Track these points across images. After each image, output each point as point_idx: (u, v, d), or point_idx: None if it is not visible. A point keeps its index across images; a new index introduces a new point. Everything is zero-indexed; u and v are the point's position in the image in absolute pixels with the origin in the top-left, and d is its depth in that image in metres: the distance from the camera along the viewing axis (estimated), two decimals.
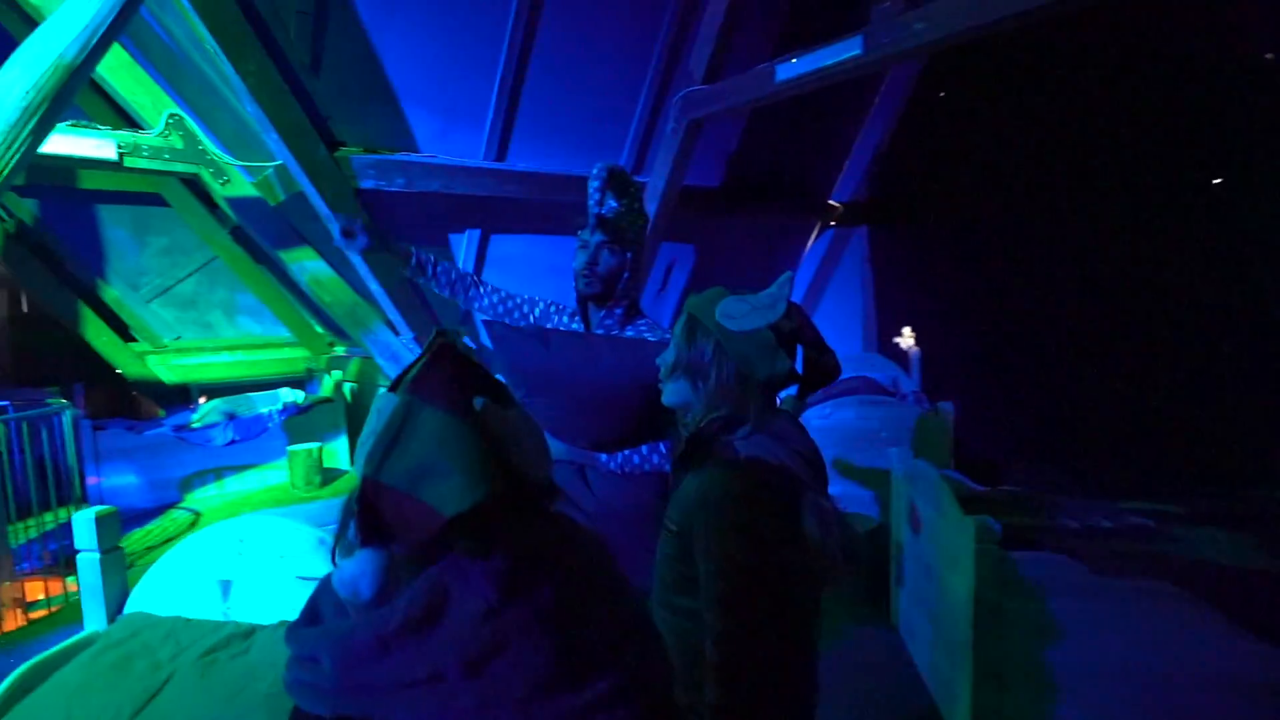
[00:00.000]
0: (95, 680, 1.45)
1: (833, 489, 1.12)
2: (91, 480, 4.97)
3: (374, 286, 4.36)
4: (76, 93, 3.17)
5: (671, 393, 1.10)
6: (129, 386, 6.33)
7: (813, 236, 7.12)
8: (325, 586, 0.66)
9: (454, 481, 0.55)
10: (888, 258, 7.03)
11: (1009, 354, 6.99)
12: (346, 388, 6.25)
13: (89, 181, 5.10)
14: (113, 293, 5.82)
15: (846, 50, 3.83)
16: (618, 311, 1.71)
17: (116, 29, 2.98)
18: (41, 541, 3.85)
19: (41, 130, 3.08)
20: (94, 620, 1.70)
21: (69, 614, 3.41)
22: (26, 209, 5.14)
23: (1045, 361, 6.96)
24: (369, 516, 0.58)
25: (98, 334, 5.72)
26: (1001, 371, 6.93)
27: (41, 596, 3.60)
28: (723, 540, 0.92)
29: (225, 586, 1.70)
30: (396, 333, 4.88)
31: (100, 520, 1.68)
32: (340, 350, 6.63)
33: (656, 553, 1.04)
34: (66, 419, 3.66)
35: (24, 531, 3.67)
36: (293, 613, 1.89)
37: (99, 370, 6.20)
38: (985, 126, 5.81)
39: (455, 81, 4.09)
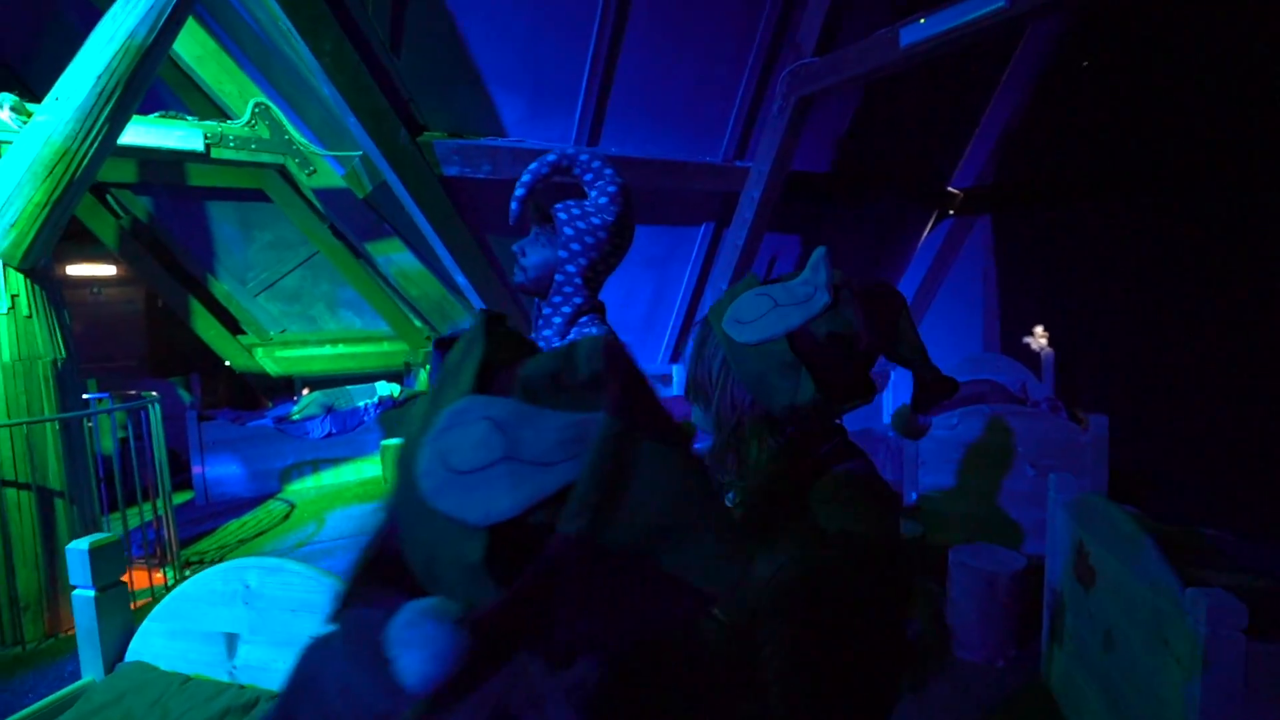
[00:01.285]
0: None
1: (972, 510, 0.65)
2: (196, 470, 5.12)
3: (460, 280, 4.19)
4: (152, 76, 3.13)
5: (696, 417, 0.85)
6: (244, 377, 6.57)
7: (929, 226, 6.40)
8: (337, 649, 0.45)
9: (709, 546, 0.38)
10: (1016, 248, 6.19)
11: (1161, 359, 5.97)
12: None
13: (197, 178, 5.25)
14: (222, 287, 6.03)
15: (988, 3, 3.23)
16: (555, 320, 1.44)
17: (184, 8, 2.87)
18: (142, 530, 3.91)
19: (118, 115, 3.05)
20: (90, 667, 1.47)
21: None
22: (141, 206, 5.38)
23: (1206, 370, 5.89)
24: (543, 591, 0.36)
25: (208, 327, 5.94)
26: (1151, 380, 5.93)
27: (140, 587, 3.63)
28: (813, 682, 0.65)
29: (231, 641, 1.45)
30: None
31: (95, 552, 1.44)
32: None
33: None
34: (155, 411, 3.68)
35: (122, 521, 3.72)
36: None
37: (220, 361, 6.47)
38: (1137, 99, 4.90)
39: (544, 60, 3.82)
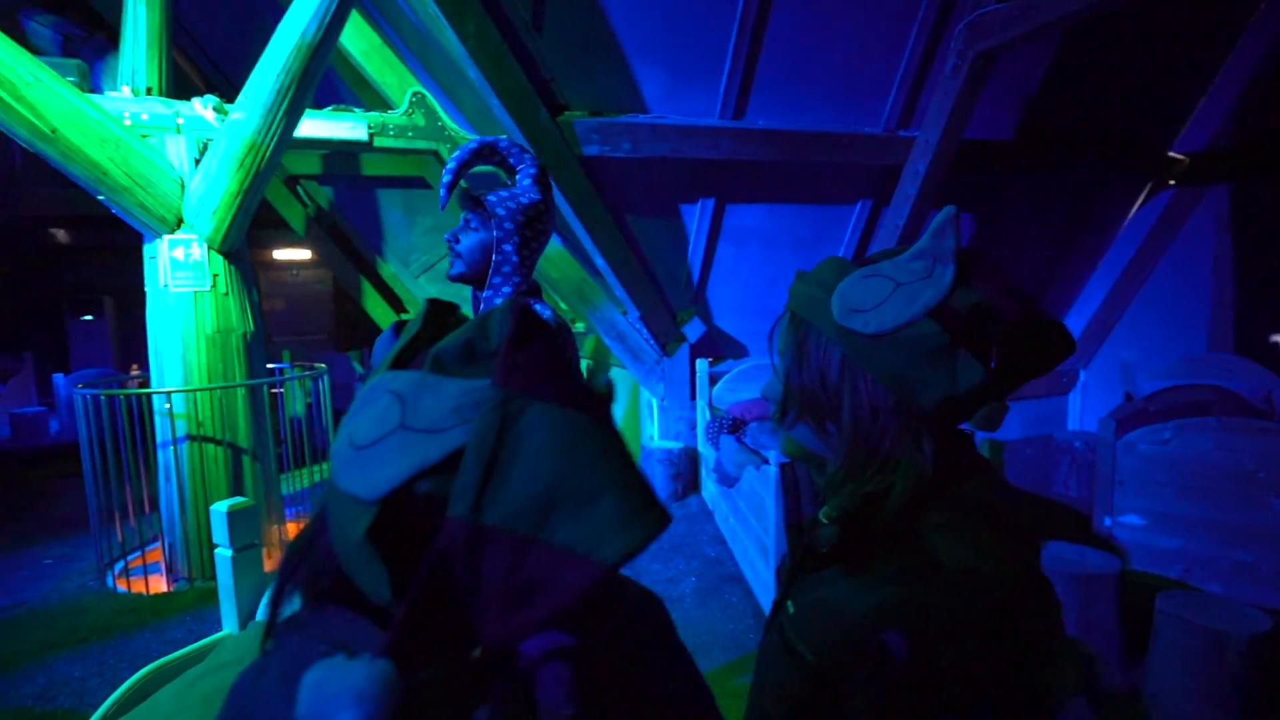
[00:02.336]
0: (182, 715, 1.26)
1: (1188, 547, 0.40)
2: None
3: (600, 262, 4.14)
4: (321, 70, 3.33)
5: (786, 442, 0.72)
6: None
7: (1140, 199, 5.38)
8: (271, 687, 0.39)
9: (606, 509, 0.34)
10: (1261, 226, 5.01)
11: None
12: (583, 364, 6.29)
13: (369, 168, 5.70)
14: (389, 268, 6.55)
15: None
16: (496, 302, 1.36)
17: (346, 5, 3.00)
18: (312, 489, 4.32)
19: (294, 110, 3.29)
20: (229, 620, 1.56)
21: None
22: (324, 195, 5.95)
23: None
24: (441, 588, 0.33)
25: (375, 305, 6.49)
26: None
27: None
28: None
29: None
30: (624, 311, 4.68)
31: (233, 516, 1.49)
32: (579, 327, 6.73)
33: (760, 674, 0.69)
34: (324, 382, 4.02)
35: (295, 480, 4.13)
36: None
37: None
38: None
39: (688, 31, 3.61)
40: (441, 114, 4.05)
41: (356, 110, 3.92)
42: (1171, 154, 5.19)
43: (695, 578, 3.38)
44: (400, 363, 0.41)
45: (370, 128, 3.95)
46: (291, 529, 4.03)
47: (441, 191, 1.43)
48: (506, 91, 3.25)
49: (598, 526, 0.33)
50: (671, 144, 3.80)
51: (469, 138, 4.13)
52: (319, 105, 3.85)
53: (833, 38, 3.82)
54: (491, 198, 1.40)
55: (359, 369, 7.31)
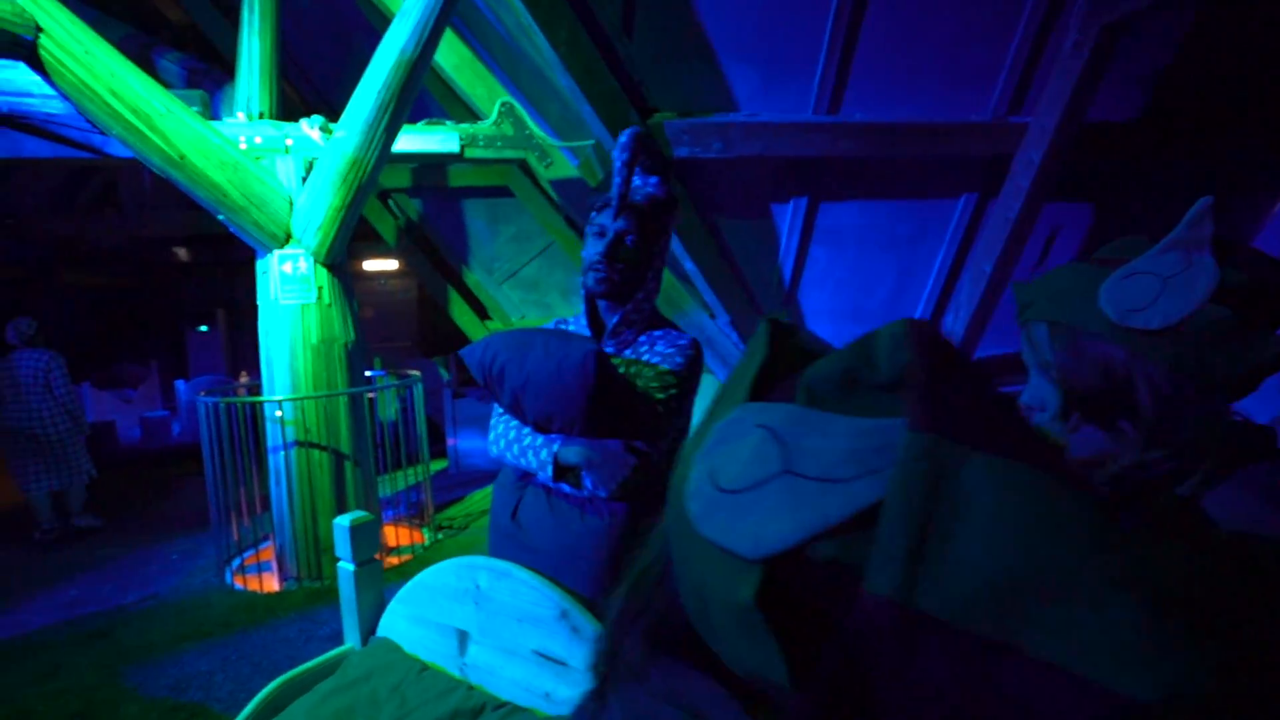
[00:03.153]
0: None
1: None
2: (450, 442, 5.76)
3: (688, 266, 4.06)
4: (418, 86, 3.40)
5: (1070, 443, 0.71)
6: None
7: None
8: None
9: (1123, 616, 0.23)
10: None
11: None
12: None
13: (456, 179, 5.85)
14: (474, 277, 6.70)
15: None
16: (633, 318, 1.38)
17: (443, 19, 3.05)
18: (406, 493, 4.45)
19: (393, 126, 3.38)
20: (350, 635, 1.57)
21: (416, 567, 3.82)
22: (413, 207, 6.16)
23: None
24: (857, 684, 0.26)
25: (461, 313, 6.65)
26: None
27: (402, 543, 4.13)
28: None
29: (462, 639, 1.43)
30: (713, 316, 4.57)
31: (356, 530, 1.49)
32: None
33: None
34: (418, 390, 4.12)
35: (391, 483, 4.26)
36: (523, 695, 1.24)
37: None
38: None
39: (781, 24, 3.47)
40: (529, 122, 4.09)
41: (448, 123, 4.01)
42: None
43: None
44: (759, 394, 0.36)
45: (462, 139, 4.03)
46: (389, 532, 4.16)
47: (616, 180, 1.27)
48: (597, 96, 3.22)
49: (1111, 641, 0.24)
50: (763, 142, 3.67)
51: (555, 144, 4.15)
52: (412, 121, 3.96)
53: (936, 20, 3.58)
54: (640, 200, 1.30)
55: (445, 375, 7.53)
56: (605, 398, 1.21)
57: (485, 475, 5.67)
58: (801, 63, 3.60)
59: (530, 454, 1.31)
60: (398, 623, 1.56)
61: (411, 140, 3.96)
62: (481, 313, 6.88)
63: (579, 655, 1.25)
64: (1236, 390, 0.65)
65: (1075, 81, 3.53)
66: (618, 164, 1.27)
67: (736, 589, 0.29)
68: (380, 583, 1.61)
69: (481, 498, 5.08)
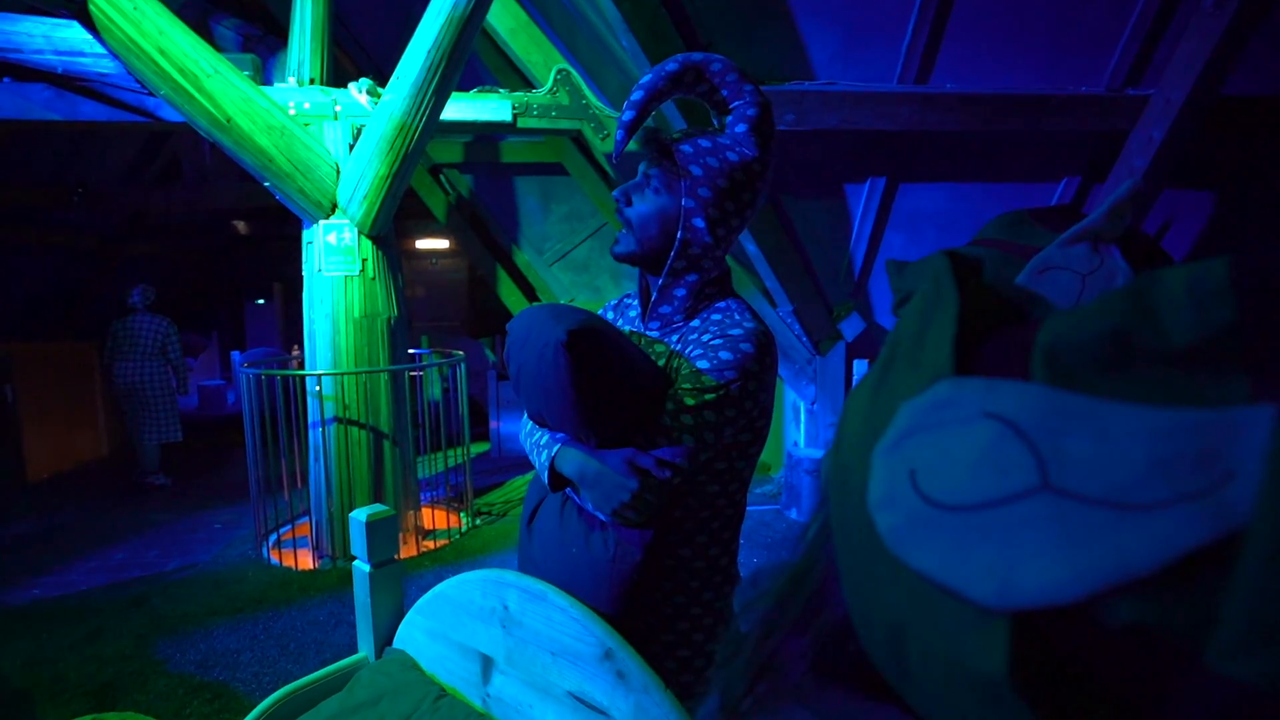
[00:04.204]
0: None
1: None
2: (493, 424, 5.62)
3: (751, 248, 3.76)
4: (469, 46, 3.19)
5: None
6: None
7: None
8: None
9: None
10: None
11: None
12: None
13: (509, 155, 5.68)
14: (523, 257, 6.54)
15: None
16: (677, 293, 1.07)
17: None
18: (446, 475, 4.31)
19: (443, 89, 3.17)
20: (364, 642, 1.43)
21: (451, 553, 3.68)
22: (464, 183, 6.02)
23: None
24: None
25: (510, 294, 6.51)
26: None
27: (438, 527, 3.99)
28: None
29: (486, 665, 1.22)
30: (774, 304, 4.27)
31: (372, 526, 1.30)
32: None
33: None
34: (461, 370, 3.96)
35: (430, 464, 4.12)
36: None
37: None
38: None
39: None
40: (586, 91, 3.85)
41: (501, 90, 3.80)
42: None
43: None
44: (961, 361, 0.25)
45: (515, 108, 3.81)
46: (427, 514, 4.04)
47: (618, 134, 1.05)
48: (661, 59, 2.95)
49: None
50: (841, 114, 3.32)
51: (613, 115, 3.89)
52: (463, 89, 3.77)
53: None
54: (686, 148, 0.99)
55: (491, 356, 7.42)
56: (593, 399, 0.94)
57: (527, 461, 5.53)
58: (889, 26, 3.24)
59: (535, 453, 1.09)
60: (416, 635, 1.36)
61: (462, 108, 3.77)
62: (530, 294, 6.73)
63: (623, 708, 1.01)
64: None
65: (1214, 46, 3.06)
66: (625, 112, 1.03)
67: (972, 649, 0.21)
68: (399, 587, 1.42)
69: (522, 484, 4.93)
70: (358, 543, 1.39)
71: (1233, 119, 3.52)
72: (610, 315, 1.23)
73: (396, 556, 1.43)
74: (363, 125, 3.51)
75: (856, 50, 3.31)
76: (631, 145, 1.08)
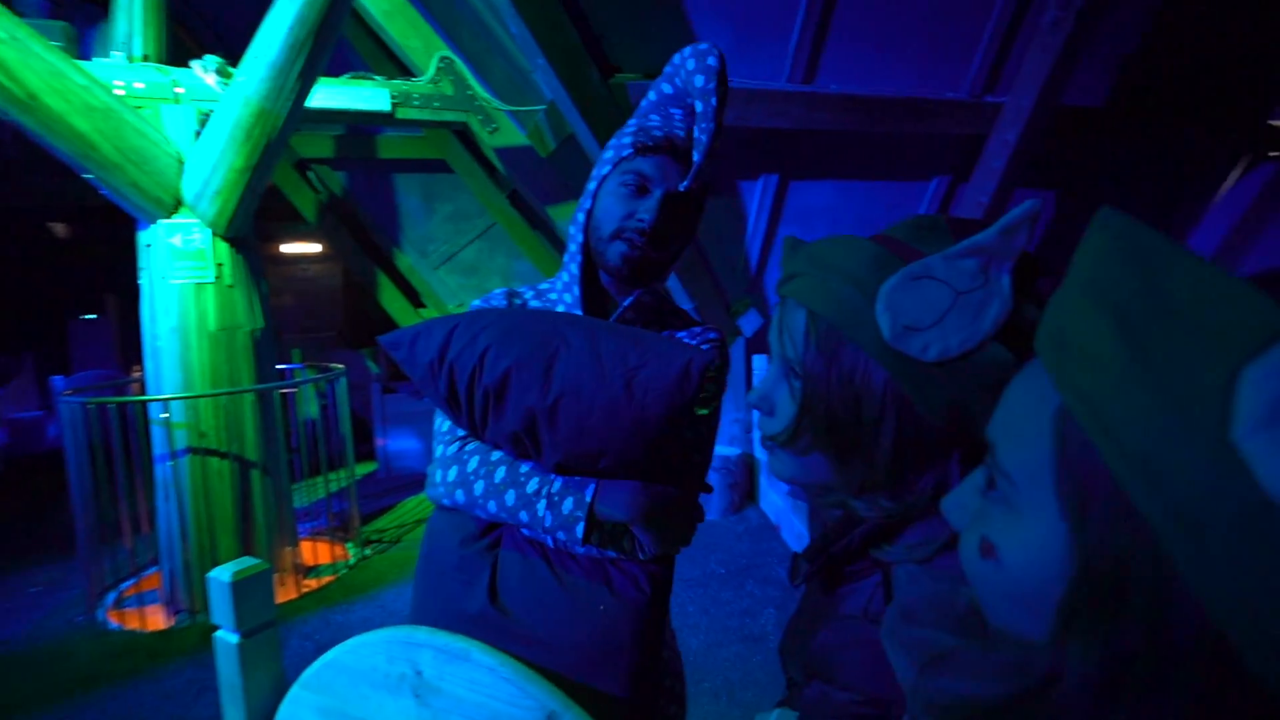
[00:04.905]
0: None
1: None
2: (379, 442, 5.19)
3: None
4: (340, 23, 2.88)
5: (793, 467, 0.59)
6: None
7: (1239, 171, 4.87)
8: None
9: None
10: None
11: None
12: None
13: (386, 151, 5.27)
14: (406, 260, 6.11)
15: None
16: (647, 300, 0.98)
17: None
18: (328, 502, 3.90)
19: (309, 72, 2.83)
20: None
21: (338, 591, 3.31)
22: (337, 181, 5.52)
23: None
24: None
25: (392, 300, 6.06)
26: None
27: (321, 562, 3.59)
28: None
29: None
30: None
31: (239, 586, 1.05)
32: None
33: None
34: (342, 385, 3.59)
35: (310, 491, 3.70)
36: None
37: None
38: None
39: None
40: (472, 82, 3.60)
41: (377, 78, 3.47)
42: (1272, 122, 4.69)
43: (775, 608, 2.93)
44: None
45: (393, 97, 3.49)
46: (307, 548, 3.61)
47: (707, 118, 0.85)
48: (555, 48, 2.80)
49: None
50: (734, 111, 3.33)
51: (502, 108, 3.68)
52: (333, 75, 3.41)
53: None
54: (705, 155, 0.88)
55: (374, 368, 6.89)
56: (681, 425, 0.84)
57: (419, 479, 5.14)
58: (777, 25, 3.29)
59: (541, 505, 0.86)
60: (303, 715, 1.12)
61: (334, 96, 3.40)
62: (415, 299, 6.31)
63: None
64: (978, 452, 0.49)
65: (1053, 60, 3.37)
66: (708, 101, 0.85)
67: None
68: (278, 657, 1.16)
69: (416, 505, 4.57)
70: (219, 608, 1.11)
71: (1070, 127, 3.91)
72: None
73: (273, 619, 1.16)
74: (211, 110, 3.07)
75: (748, 48, 3.34)
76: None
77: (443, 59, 3.56)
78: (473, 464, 0.92)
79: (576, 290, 0.97)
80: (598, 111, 3.02)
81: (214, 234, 3.12)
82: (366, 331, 8.66)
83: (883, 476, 0.54)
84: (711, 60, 0.86)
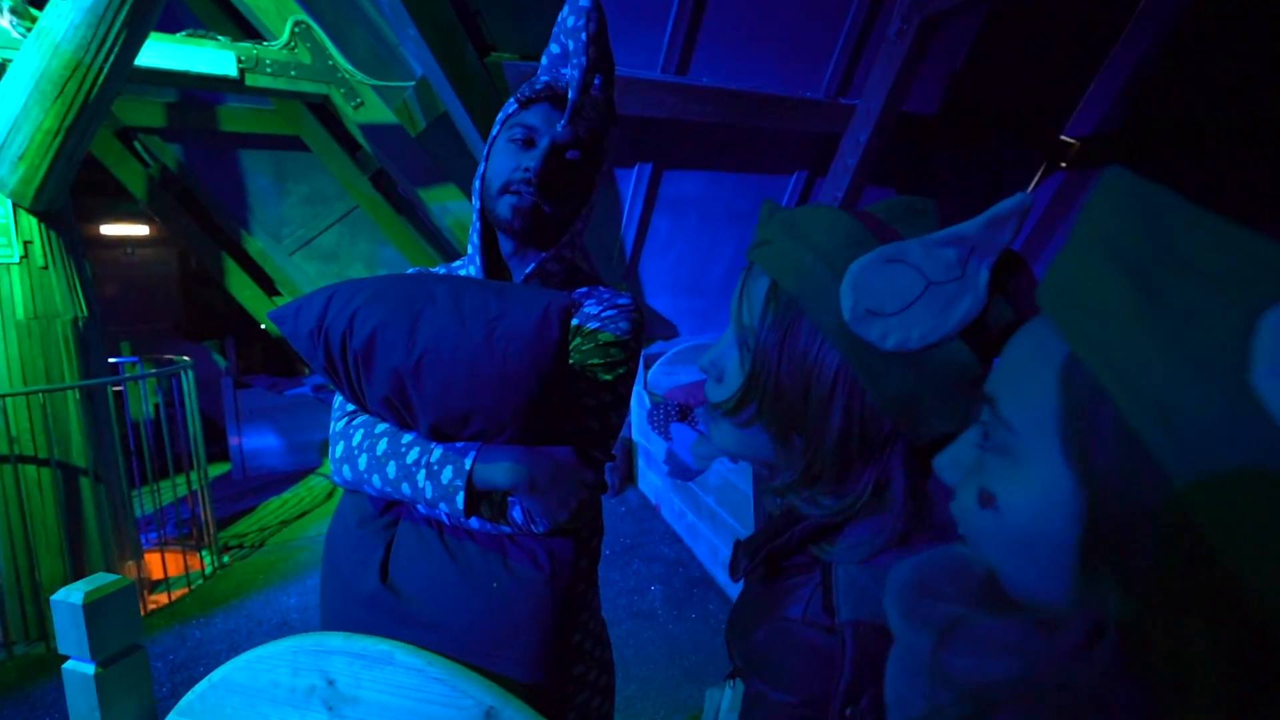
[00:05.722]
0: None
1: None
2: (233, 440, 4.74)
3: None
4: None
5: (734, 439, 0.58)
6: (281, 341, 6.19)
7: (1036, 179, 5.67)
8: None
9: None
10: None
11: None
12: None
13: (230, 123, 4.78)
14: (256, 244, 5.60)
15: None
16: (552, 267, 0.97)
17: None
18: (175, 508, 3.52)
19: (137, 22, 2.53)
20: None
21: (194, 604, 3.01)
22: (171, 154, 4.92)
23: None
24: None
25: (242, 287, 5.53)
26: None
27: (172, 574, 3.24)
28: None
29: None
30: None
31: (93, 608, 0.94)
32: None
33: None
34: (188, 378, 3.24)
35: (154, 496, 3.32)
36: None
37: (255, 324, 6.08)
38: None
39: None
40: (333, 51, 3.34)
41: (221, 39, 3.13)
42: (1064, 137, 5.49)
43: (660, 584, 3.05)
44: None
45: (241, 61, 3.16)
46: (152, 561, 3.25)
47: (575, 63, 0.84)
48: (429, 20, 2.69)
49: None
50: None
51: (368, 82, 3.47)
52: (166, 31, 3.04)
53: None
54: (592, 104, 0.89)
55: (221, 361, 6.26)
56: (560, 379, 0.79)
57: (281, 478, 4.76)
58: (653, 16, 3.38)
59: (421, 476, 0.81)
60: None
61: (168, 55, 3.02)
62: (269, 287, 5.80)
63: None
64: (931, 451, 0.48)
65: (898, 69, 3.73)
66: (578, 37, 0.84)
67: None
68: (147, 685, 1.03)
69: (279, 506, 4.24)
70: (68, 635, 0.97)
71: (909, 131, 4.36)
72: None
73: (138, 643, 1.03)
74: (8, 60, 2.64)
75: (624, 37, 3.39)
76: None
77: (298, 23, 3.28)
78: (357, 438, 0.87)
79: (479, 260, 0.96)
80: (474, 90, 2.95)
81: (19, 206, 2.70)
82: (210, 322, 7.83)
83: (825, 463, 0.53)
84: (584, 2, 0.85)
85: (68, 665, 0.94)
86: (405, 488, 0.83)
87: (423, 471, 0.81)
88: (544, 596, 0.83)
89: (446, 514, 0.85)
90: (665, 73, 3.53)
